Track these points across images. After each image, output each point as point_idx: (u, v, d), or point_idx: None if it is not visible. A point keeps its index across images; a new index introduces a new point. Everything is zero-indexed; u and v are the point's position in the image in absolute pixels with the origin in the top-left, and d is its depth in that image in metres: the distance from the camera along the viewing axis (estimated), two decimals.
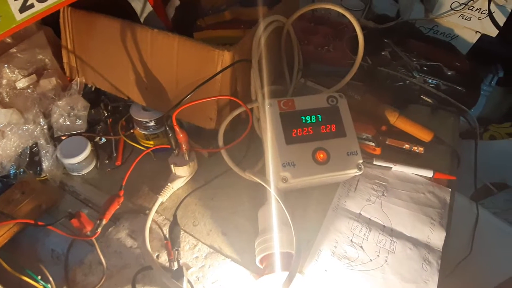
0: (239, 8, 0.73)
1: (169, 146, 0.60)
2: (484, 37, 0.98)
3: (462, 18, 0.95)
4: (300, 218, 0.58)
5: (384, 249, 0.55)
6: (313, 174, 0.54)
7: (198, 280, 0.51)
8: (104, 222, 0.52)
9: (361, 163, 0.56)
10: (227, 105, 0.61)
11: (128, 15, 0.68)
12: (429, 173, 0.64)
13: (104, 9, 0.62)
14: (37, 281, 0.47)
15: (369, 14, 1.03)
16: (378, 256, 0.54)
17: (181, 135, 0.58)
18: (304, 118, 0.56)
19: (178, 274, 0.49)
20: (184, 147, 0.59)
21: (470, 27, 0.97)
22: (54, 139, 0.64)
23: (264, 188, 0.55)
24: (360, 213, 0.59)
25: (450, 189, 0.63)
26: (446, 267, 0.54)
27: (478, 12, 0.93)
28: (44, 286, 0.47)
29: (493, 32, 0.95)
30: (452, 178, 0.65)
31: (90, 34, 0.65)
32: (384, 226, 0.57)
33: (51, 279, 0.48)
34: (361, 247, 0.55)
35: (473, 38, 0.99)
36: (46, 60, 0.68)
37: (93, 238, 0.51)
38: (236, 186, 0.62)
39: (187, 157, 0.60)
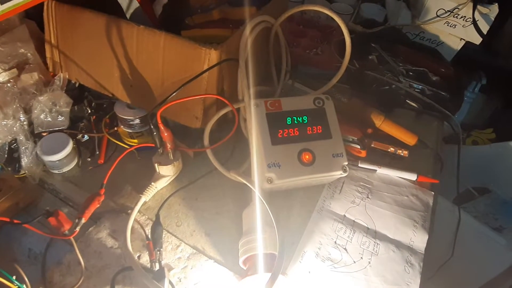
0: (227, 8, 0.72)
1: (153, 145, 0.59)
2: (468, 45, 1.01)
3: (448, 25, 0.98)
4: (284, 219, 0.58)
5: (368, 251, 0.55)
6: (298, 175, 0.54)
7: (180, 281, 0.50)
8: (83, 221, 0.51)
9: (346, 165, 0.57)
10: (214, 104, 0.60)
11: (114, 10, 0.67)
12: (412, 177, 0.65)
13: (90, 4, 0.61)
14: (11, 282, 0.45)
15: (357, 19, 1.05)
16: (361, 258, 0.54)
17: (166, 134, 0.57)
18: (290, 119, 0.56)
19: (159, 275, 0.48)
20: (168, 146, 0.58)
21: (455, 34, 0.99)
22: (35, 135, 0.62)
23: (249, 189, 0.55)
24: (344, 215, 0.59)
25: (433, 193, 0.64)
26: (429, 269, 0.55)
27: (463, 19, 0.95)
28: (19, 287, 0.45)
29: (477, 39, 0.97)
30: (435, 182, 0.65)
31: (75, 29, 0.64)
32: (368, 228, 0.58)
33: (26, 279, 0.46)
34: (345, 249, 0.55)
35: (457, 45, 1.02)
36: (28, 54, 0.66)
37: (71, 238, 0.50)
38: (221, 186, 0.61)
39: (171, 156, 0.59)
